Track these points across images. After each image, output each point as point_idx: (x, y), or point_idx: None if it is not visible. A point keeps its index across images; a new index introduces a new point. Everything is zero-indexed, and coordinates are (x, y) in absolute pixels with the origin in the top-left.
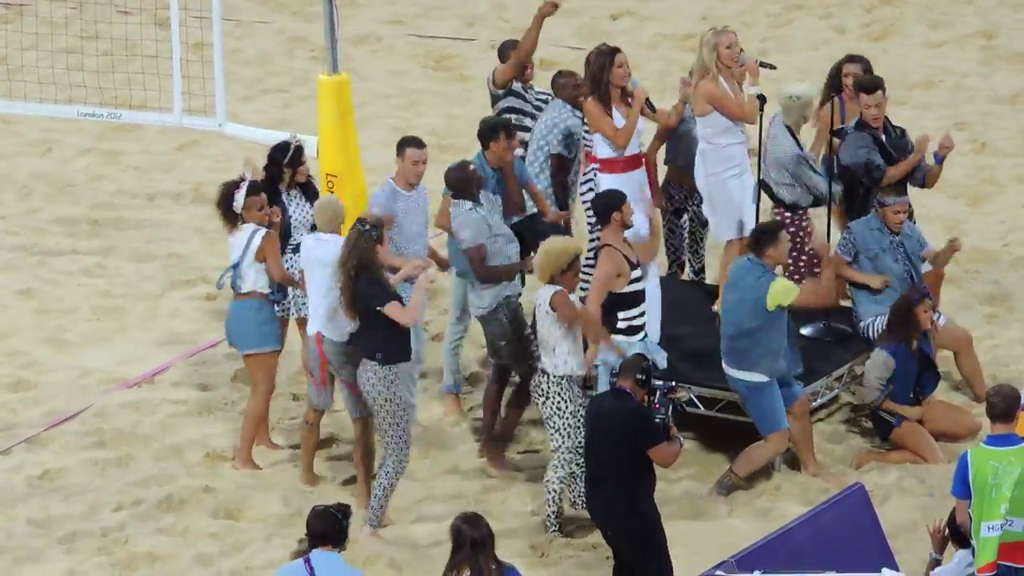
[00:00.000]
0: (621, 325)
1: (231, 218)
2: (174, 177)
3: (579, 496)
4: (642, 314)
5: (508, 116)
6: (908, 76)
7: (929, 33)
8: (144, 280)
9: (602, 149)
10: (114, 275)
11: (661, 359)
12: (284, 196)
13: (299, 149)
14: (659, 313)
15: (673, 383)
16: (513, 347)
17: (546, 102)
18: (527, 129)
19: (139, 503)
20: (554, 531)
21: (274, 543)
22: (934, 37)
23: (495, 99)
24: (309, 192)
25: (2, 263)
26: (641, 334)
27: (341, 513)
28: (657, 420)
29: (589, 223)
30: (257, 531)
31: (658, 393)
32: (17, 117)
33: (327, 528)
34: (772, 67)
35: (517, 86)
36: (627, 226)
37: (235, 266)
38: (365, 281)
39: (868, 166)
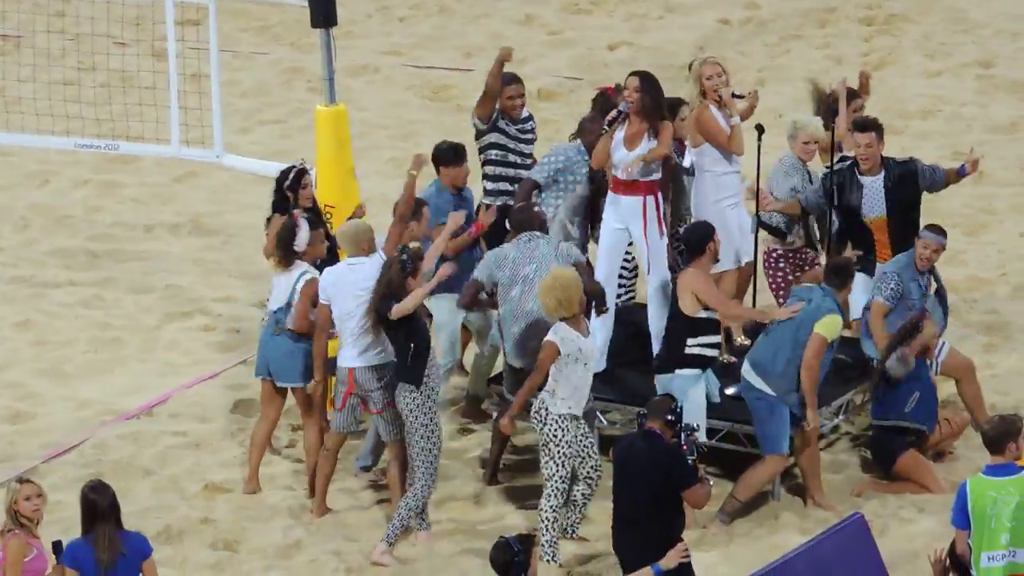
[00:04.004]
0: (695, 351)
1: (288, 257)
2: (172, 208)
3: (573, 524)
4: (716, 344)
5: (490, 152)
6: (905, 105)
7: (926, 63)
8: (142, 312)
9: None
10: (112, 307)
11: (715, 392)
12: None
13: (300, 172)
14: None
15: (695, 424)
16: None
17: (531, 131)
18: (511, 164)
19: None
20: (550, 560)
21: (272, 574)
22: (931, 66)
23: (479, 133)
24: (314, 218)
25: (0, 295)
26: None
27: (520, 544)
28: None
29: None
30: (256, 562)
31: (683, 435)
32: (14, 149)
33: (505, 560)
34: (740, 96)
35: (502, 122)
36: (716, 260)
37: (287, 306)
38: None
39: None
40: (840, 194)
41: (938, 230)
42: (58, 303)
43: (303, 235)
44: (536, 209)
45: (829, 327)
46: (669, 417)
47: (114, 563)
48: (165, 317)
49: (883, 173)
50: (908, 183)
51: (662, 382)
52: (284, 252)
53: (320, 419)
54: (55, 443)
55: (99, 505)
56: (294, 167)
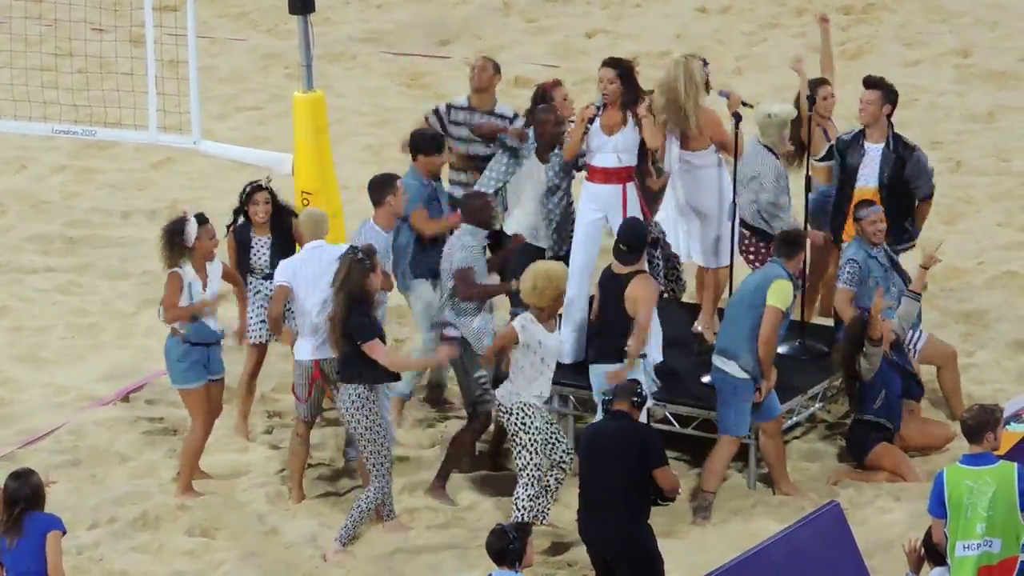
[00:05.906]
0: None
1: (176, 255)
2: (149, 195)
3: (544, 511)
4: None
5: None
6: None
7: (904, 52)
8: (119, 297)
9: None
10: (89, 292)
11: (652, 384)
12: (250, 232)
13: (253, 188)
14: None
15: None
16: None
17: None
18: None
19: (114, 521)
20: None
21: (249, 561)
22: (909, 56)
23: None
24: (279, 224)
25: None
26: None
27: (514, 532)
28: None
29: None
30: (232, 549)
31: (649, 421)
32: None
33: (501, 547)
34: (750, 106)
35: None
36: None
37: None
38: (357, 313)
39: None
40: (843, 156)
41: (868, 203)
42: (35, 289)
43: (190, 228)
44: (489, 199)
45: (781, 296)
46: (635, 399)
47: (12, 544)
48: (142, 303)
49: (884, 144)
50: (898, 165)
51: None
52: (171, 249)
53: (203, 423)
54: (31, 429)
55: (15, 493)
56: (252, 183)
